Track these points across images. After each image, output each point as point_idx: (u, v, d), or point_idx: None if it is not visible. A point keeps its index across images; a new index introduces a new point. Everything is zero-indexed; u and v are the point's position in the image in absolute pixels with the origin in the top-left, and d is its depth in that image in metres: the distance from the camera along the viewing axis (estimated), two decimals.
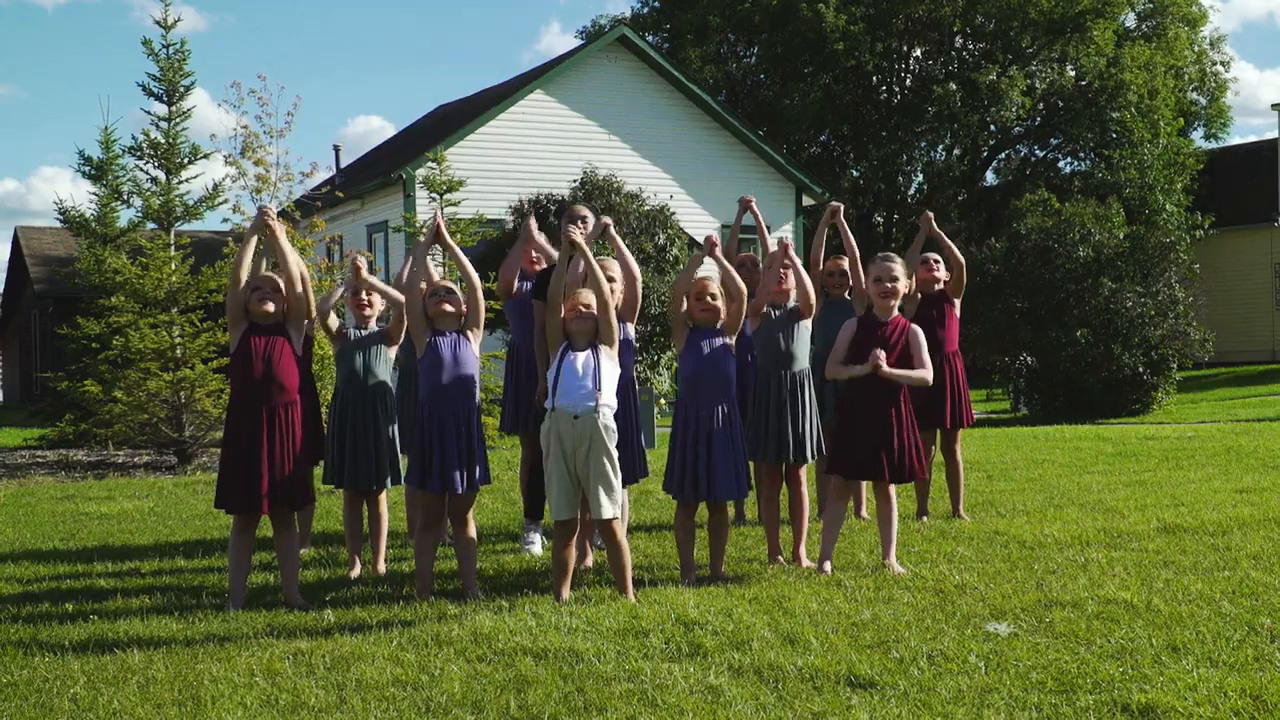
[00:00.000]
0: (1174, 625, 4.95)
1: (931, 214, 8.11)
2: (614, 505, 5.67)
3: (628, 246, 19.01)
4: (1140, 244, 21.18)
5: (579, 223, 7.33)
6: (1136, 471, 10.42)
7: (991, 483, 9.78)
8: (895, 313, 6.42)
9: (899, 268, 6.44)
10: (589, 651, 4.73)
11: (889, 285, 6.36)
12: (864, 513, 8.01)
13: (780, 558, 6.67)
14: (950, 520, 7.80)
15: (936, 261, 8.07)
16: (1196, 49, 38.58)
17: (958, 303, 8.09)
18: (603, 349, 5.75)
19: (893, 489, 6.35)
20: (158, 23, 14.32)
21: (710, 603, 5.53)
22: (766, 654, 4.66)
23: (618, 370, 5.81)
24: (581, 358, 5.70)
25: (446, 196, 17.23)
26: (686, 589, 5.86)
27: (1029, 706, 4.00)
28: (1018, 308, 20.33)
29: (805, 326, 6.82)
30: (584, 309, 5.78)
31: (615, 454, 5.70)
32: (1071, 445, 12.97)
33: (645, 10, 40.58)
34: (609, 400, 5.69)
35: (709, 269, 6.58)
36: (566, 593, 5.68)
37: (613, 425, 5.71)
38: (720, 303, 6.15)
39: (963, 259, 8.07)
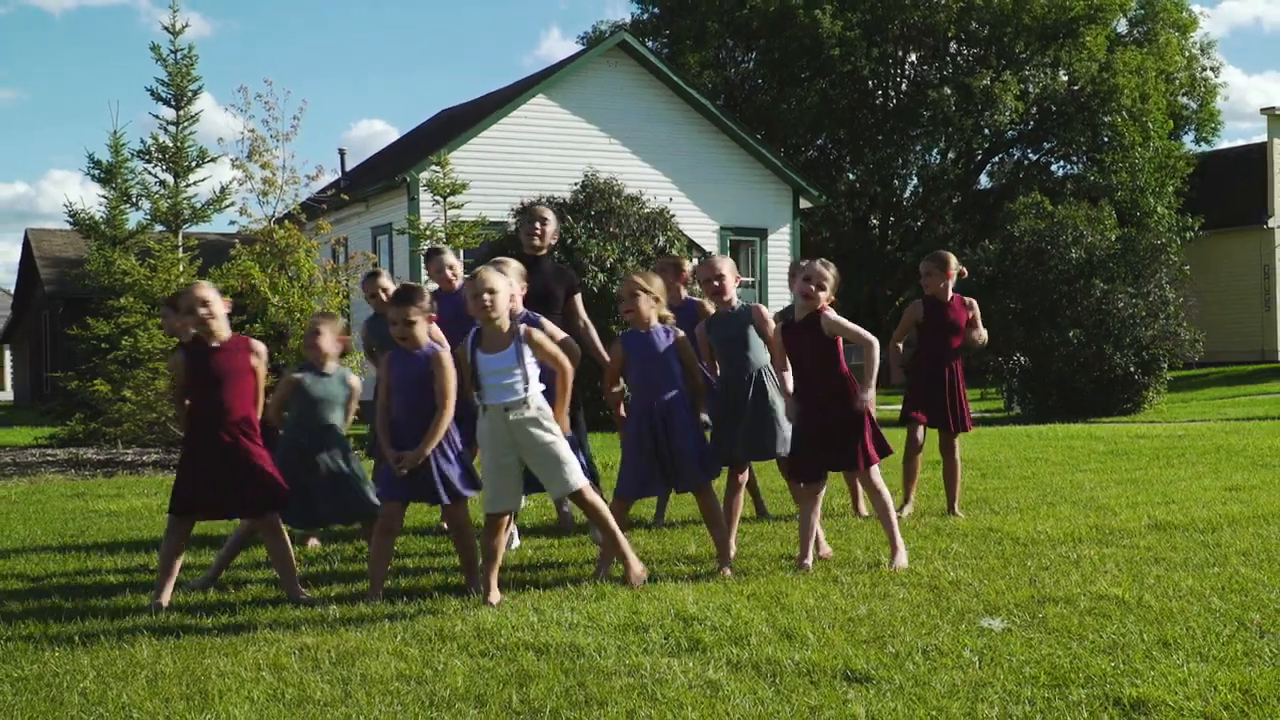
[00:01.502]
0: (1165, 621, 4.95)
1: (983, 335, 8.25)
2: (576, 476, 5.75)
3: (628, 248, 18.97)
4: (1131, 246, 21.19)
5: (538, 224, 7.41)
6: (1128, 469, 10.42)
7: (985, 480, 9.78)
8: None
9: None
10: (590, 646, 4.73)
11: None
12: (862, 509, 8.01)
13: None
14: (944, 517, 7.80)
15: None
16: (1187, 54, 38.59)
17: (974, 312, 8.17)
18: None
19: (877, 478, 6.33)
20: (166, 28, 14.34)
21: (709, 598, 5.53)
22: (764, 649, 4.66)
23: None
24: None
25: (450, 199, 17.25)
26: (686, 585, 5.86)
27: (1022, 701, 4.00)
28: (1011, 309, 20.34)
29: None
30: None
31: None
32: (1064, 444, 12.98)
33: (645, 16, 40.60)
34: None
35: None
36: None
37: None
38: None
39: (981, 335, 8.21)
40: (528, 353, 5.67)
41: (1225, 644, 4.59)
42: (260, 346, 6.04)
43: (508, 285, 5.79)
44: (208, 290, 5.92)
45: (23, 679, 4.54)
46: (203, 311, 5.86)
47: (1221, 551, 6.40)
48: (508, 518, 5.89)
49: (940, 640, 4.72)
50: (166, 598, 5.82)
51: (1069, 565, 6.14)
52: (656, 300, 6.26)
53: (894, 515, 6.38)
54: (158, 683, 4.44)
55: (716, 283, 6.60)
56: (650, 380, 6.21)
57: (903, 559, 6.22)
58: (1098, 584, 5.64)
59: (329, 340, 6.30)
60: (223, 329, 5.93)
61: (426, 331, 5.91)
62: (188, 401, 6.02)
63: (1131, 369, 20.19)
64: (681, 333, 6.36)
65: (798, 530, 6.48)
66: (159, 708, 4.16)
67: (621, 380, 6.46)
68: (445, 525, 6.75)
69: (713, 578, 6.07)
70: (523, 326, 5.76)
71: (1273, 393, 23.96)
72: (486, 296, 5.62)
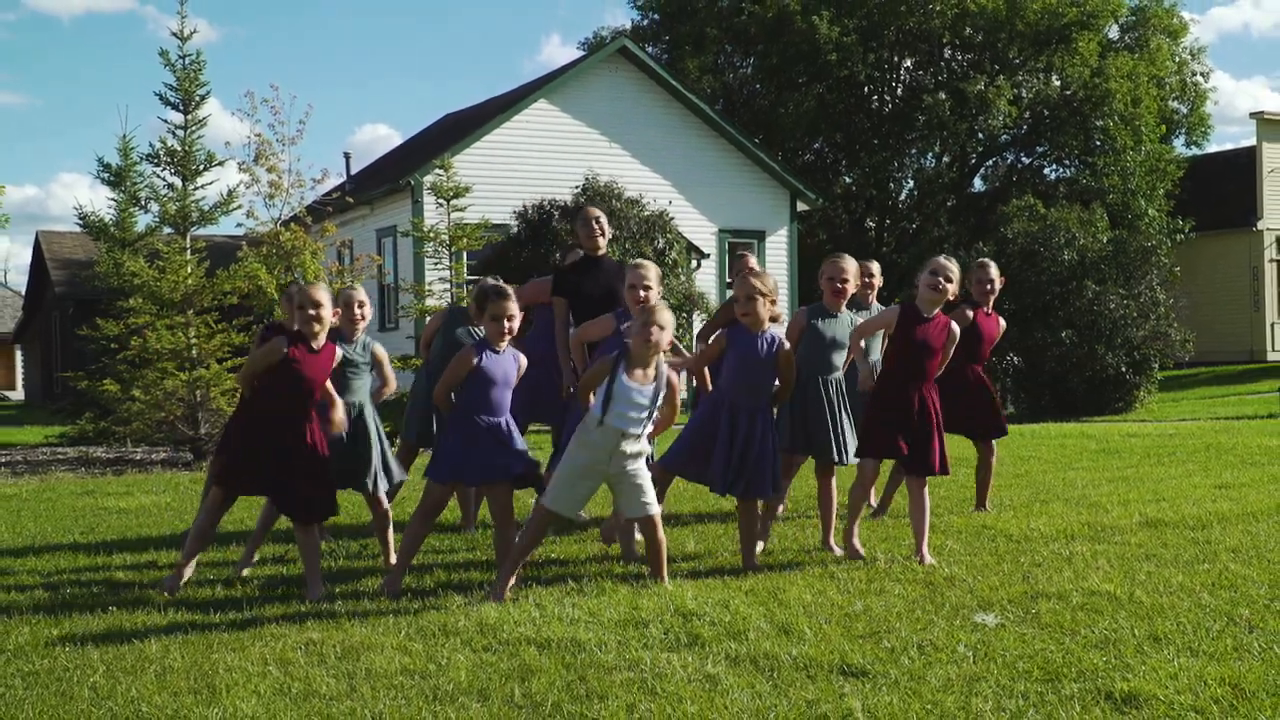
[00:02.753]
0: (1155, 616, 4.95)
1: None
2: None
3: (628, 250, 18.98)
4: (1123, 248, 21.19)
5: (595, 223, 7.43)
6: (1119, 468, 10.42)
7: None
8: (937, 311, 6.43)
9: (956, 269, 6.47)
10: (590, 641, 4.73)
11: (940, 282, 6.36)
12: (870, 501, 8.04)
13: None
14: (951, 516, 7.79)
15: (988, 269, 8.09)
16: (1177, 59, 38.56)
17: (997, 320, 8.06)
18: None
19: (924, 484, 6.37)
20: (174, 34, 14.31)
21: (708, 594, 5.53)
22: (762, 644, 4.66)
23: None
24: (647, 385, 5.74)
25: (453, 202, 17.24)
26: (685, 581, 5.86)
27: (1015, 695, 4.00)
28: (1005, 309, 20.32)
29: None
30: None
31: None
32: (1057, 442, 12.98)
33: (645, 22, 40.55)
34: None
35: None
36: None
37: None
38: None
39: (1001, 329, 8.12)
40: (662, 395, 5.76)
41: (1215, 639, 4.59)
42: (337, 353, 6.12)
43: (672, 325, 5.88)
44: (322, 293, 5.92)
45: (34, 673, 4.54)
46: (312, 313, 5.85)
47: (1211, 548, 6.40)
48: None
49: (935, 635, 4.73)
50: (190, 571, 5.92)
51: (1061, 562, 6.14)
52: (772, 303, 6.30)
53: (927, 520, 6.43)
54: (166, 677, 4.44)
55: (841, 284, 6.77)
56: (749, 382, 6.22)
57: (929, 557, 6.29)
58: (1090, 580, 5.65)
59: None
60: (324, 334, 5.94)
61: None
62: (257, 388, 5.94)
63: (1123, 369, 20.20)
64: (786, 342, 6.40)
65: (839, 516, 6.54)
66: (167, 701, 4.16)
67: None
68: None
69: (712, 574, 6.07)
70: (667, 372, 5.81)
71: (1261, 392, 23.94)
72: (655, 330, 5.67)
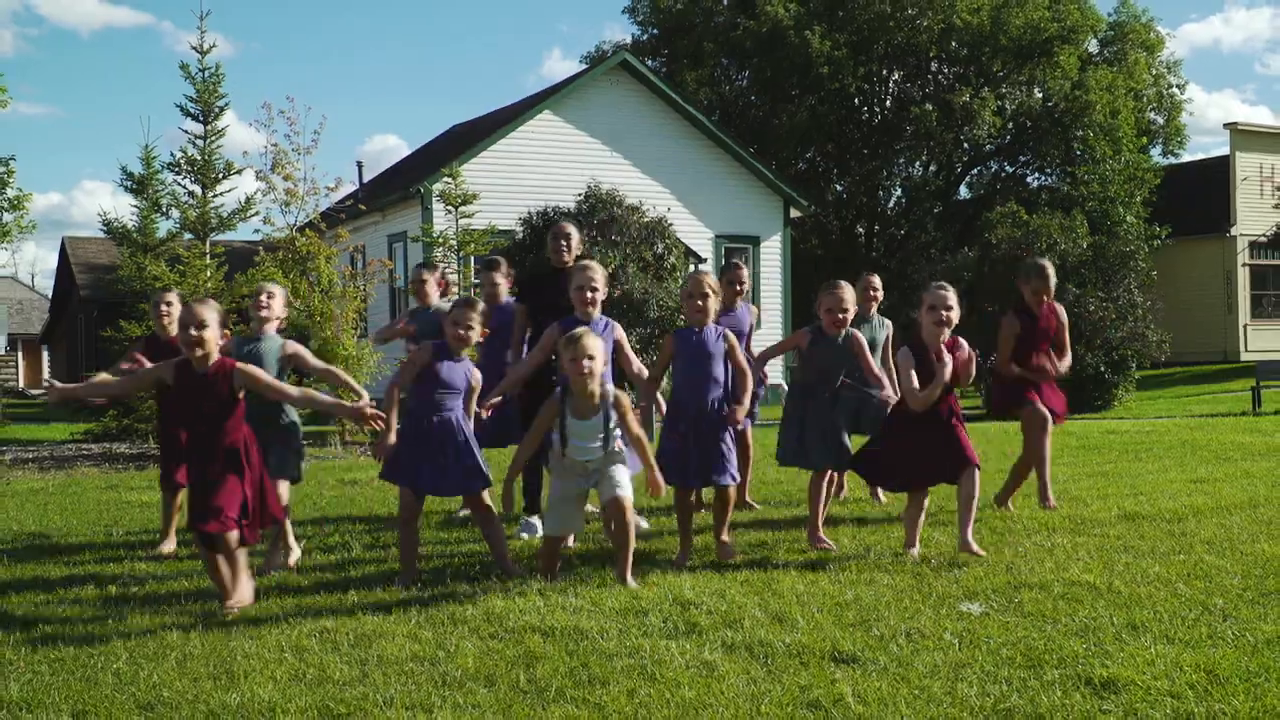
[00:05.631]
0: (1133, 605, 4.94)
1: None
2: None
3: (629, 255, 18.91)
4: (1102, 253, 21.20)
5: (563, 241, 7.34)
6: (1099, 463, 10.41)
7: None
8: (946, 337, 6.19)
9: (953, 296, 6.23)
10: (593, 629, 4.73)
11: (944, 314, 6.14)
12: (880, 496, 8.11)
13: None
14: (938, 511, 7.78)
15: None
16: (1154, 73, 38.57)
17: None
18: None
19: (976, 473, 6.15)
20: (194, 48, 14.34)
21: (705, 585, 5.53)
22: (757, 632, 4.66)
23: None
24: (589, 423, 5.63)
25: (461, 209, 17.24)
26: (684, 573, 5.86)
27: (999, 680, 4.00)
28: (989, 312, 20.33)
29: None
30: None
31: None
32: None
33: (645, 37, 40.54)
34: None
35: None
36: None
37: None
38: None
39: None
40: (613, 417, 5.64)
41: (1190, 627, 4.59)
42: None
43: (602, 350, 5.67)
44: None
45: (60, 659, 4.54)
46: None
47: (1187, 540, 6.40)
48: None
49: (922, 623, 4.72)
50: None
51: (1043, 553, 6.14)
52: (718, 300, 6.28)
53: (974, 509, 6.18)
54: (186, 663, 4.44)
55: (841, 314, 6.52)
56: (699, 375, 6.10)
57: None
58: (1070, 570, 5.64)
59: None
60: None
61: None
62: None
63: (1102, 368, 20.20)
64: (731, 334, 6.27)
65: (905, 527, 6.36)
66: (188, 687, 4.16)
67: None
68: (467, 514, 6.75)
69: (710, 566, 6.06)
70: (613, 393, 5.68)
71: (1234, 391, 23.95)
72: (586, 364, 5.50)
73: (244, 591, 5.36)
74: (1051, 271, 7.82)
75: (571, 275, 6.47)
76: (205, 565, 5.40)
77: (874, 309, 8.28)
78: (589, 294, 6.30)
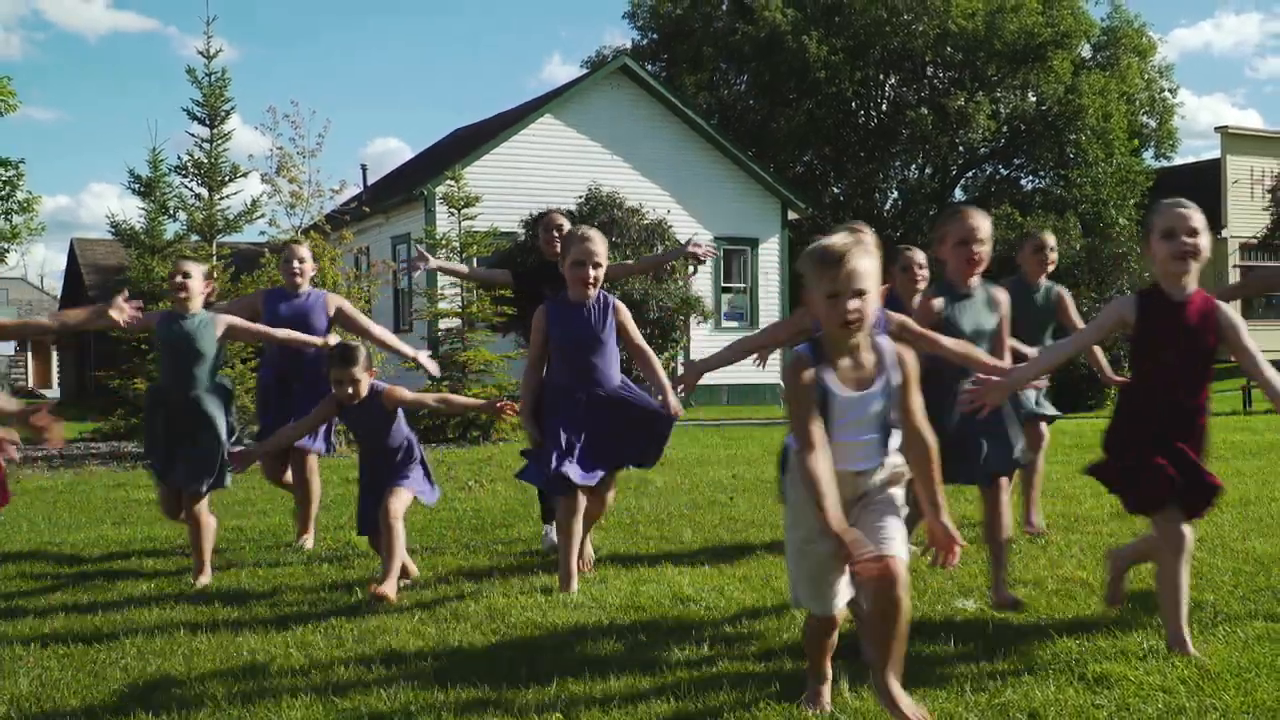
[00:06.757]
0: (1125, 602, 4.94)
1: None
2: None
3: (629, 256, 18.91)
4: (1095, 254, 21.20)
5: (555, 232, 6.63)
6: (1092, 461, 10.38)
7: None
8: (1193, 286, 4.29)
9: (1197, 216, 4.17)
10: (593, 625, 4.73)
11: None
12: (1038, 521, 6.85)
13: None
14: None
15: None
16: (1146, 77, 38.57)
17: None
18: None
19: None
20: (200, 53, 14.34)
21: (704, 581, 5.53)
22: (754, 627, 4.66)
23: None
24: None
25: (464, 211, 17.24)
26: (683, 570, 5.85)
27: (994, 675, 3.99)
28: None
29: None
30: None
31: None
32: None
33: (644, 41, 40.54)
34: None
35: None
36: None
37: None
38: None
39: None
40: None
41: None
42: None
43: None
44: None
45: (68, 655, 4.54)
46: None
47: None
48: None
49: (917, 619, 4.72)
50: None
51: (1037, 550, 6.14)
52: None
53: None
54: (194, 659, 4.44)
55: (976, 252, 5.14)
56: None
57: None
58: (1064, 568, 5.64)
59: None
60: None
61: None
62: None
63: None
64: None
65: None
66: (195, 682, 4.15)
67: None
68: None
69: (708, 563, 6.05)
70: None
71: (1225, 390, 23.93)
72: None
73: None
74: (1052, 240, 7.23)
75: (566, 247, 5.43)
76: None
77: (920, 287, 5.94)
78: (591, 271, 5.34)
